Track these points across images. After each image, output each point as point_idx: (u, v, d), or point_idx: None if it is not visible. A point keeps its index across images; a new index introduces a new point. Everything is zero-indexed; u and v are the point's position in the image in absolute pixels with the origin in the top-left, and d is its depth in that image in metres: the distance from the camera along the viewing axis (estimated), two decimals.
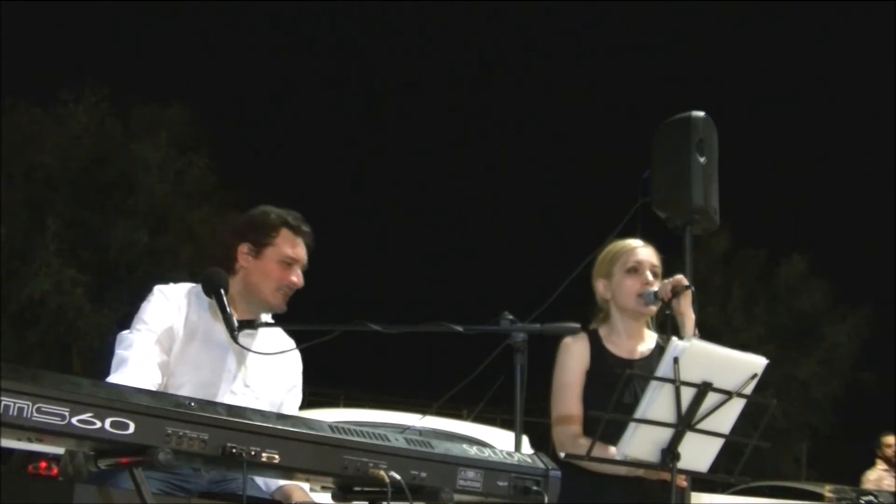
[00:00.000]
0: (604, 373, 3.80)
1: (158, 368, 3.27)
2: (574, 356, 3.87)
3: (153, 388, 3.18)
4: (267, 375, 3.46)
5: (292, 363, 3.56)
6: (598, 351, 3.90)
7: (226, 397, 3.31)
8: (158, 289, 3.44)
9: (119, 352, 3.29)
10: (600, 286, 3.98)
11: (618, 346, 3.93)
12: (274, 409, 3.42)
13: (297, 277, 3.48)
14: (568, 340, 3.86)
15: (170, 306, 3.38)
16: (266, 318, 3.50)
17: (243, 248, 3.47)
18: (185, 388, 3.26)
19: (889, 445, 9.39)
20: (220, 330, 3.36)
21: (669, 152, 4.75)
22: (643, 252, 3.96)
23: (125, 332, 3.34)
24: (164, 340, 3.32)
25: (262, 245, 3.46)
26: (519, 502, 2.75)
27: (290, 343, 3.56)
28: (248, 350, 3.35)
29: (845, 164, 33.89)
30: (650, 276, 3.90)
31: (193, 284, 3.49)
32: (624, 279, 3.91)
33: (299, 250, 3.50)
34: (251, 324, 3.30)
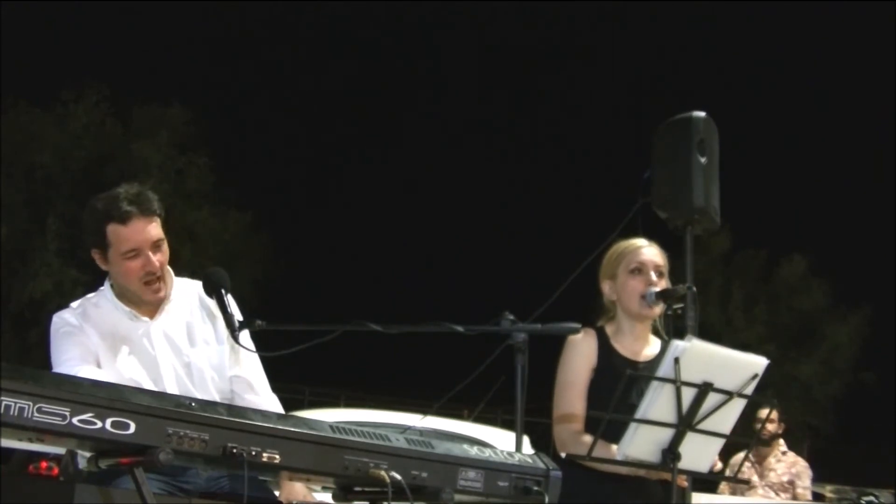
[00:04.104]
0: (611, 371, 3.77)
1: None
2: (581, 354, 3.84)
3: None
4: (196, 340, 3.39)
5: (213, 314, 3.40)
6: (606, 349, 3.87)
7: (171, 379, 3.29)
8: (56, 322, 3.33)
9: None
10: (606, 287, 3.96)
11: (624, 346, 3.90)
12: (224, 366, 3.39)
13: (149, 264, 3.28)
14: (576, 336, 3.79)
15: (75, 331, 3.30)
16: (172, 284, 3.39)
17: (96, 254, 3.35)
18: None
19: (772, 421, 7.82)
20: (134, 325, 3.32)
21: (670, 152, 4.75)
22: (647, 252, 3.93)
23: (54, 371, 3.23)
24: (90, 360, 3.25)
25: (103, 248, 3.31)
26: (519, 502, 2.75)
27: (195, 290, 3.42)
28: (250, 350, 3.35)
29: (845, 164, 33.89)
30: (654, 277, 3.88)
31: (90, 295, 3.41)
32: (628, 280, 3.89)
33: (137, 237, 3.26)
34: (251, 324, 3.29)
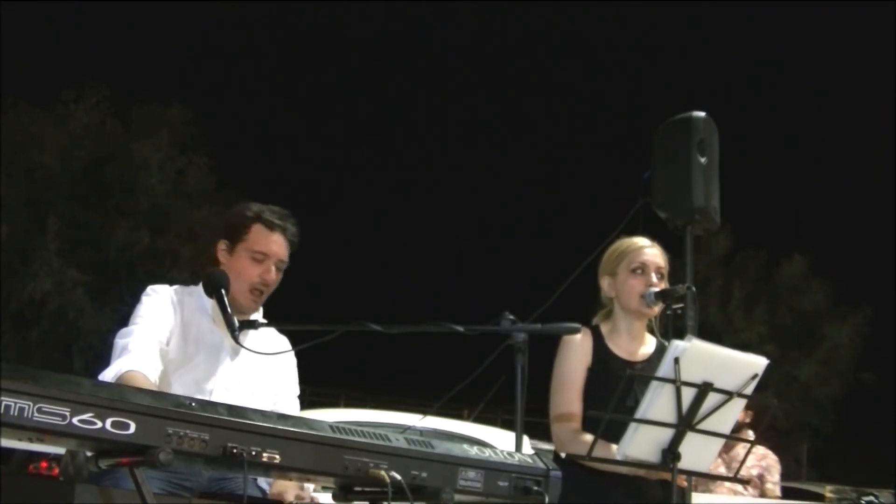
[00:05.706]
0: (605, 372, 3.79)
1: (159, 356, 3.30)
2: (577, 352, 3.84)
3: (154, 374, 3.24)
4: (259, 370, 3.46)
5: (285, 355, 3.56)
6: (601, 348, 3.88)
7: (219, 392, 3.34)
8: (152, 288, 3.48)
9: (119, 341, 3.32)
10: (605, 284, 3.97)
11: (619, 346, 3.91)
12: (270, 402, 3.46)
13: (268, 274, 3.44)
14: (571, 335, 3.79)
15: (164, 304, 3.41)
16: (258, 316, 3.49)
17: (221, 246, 3.49)
18: (180, 381, 3.30)
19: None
20: (213, 328, 3.42)
21: (670, 153, 4.74)
22: (649, 252, 3.93)
23: (124, 328, 3.37)
24: (161, 333, 3.36)
25: (236, 241, 3.45)
26: (519, 502, 2.75)
27: (284, 340, 3.57)
28: (250, 350, 3.35)
29: (845, 164, 33.91)
30: (654, 279, 3.88)
31: (185, 286, 3.52)
32: (628, 279, 3.90)
33: (273, 246, 3.45)
34: (252, 324, 3.30)
